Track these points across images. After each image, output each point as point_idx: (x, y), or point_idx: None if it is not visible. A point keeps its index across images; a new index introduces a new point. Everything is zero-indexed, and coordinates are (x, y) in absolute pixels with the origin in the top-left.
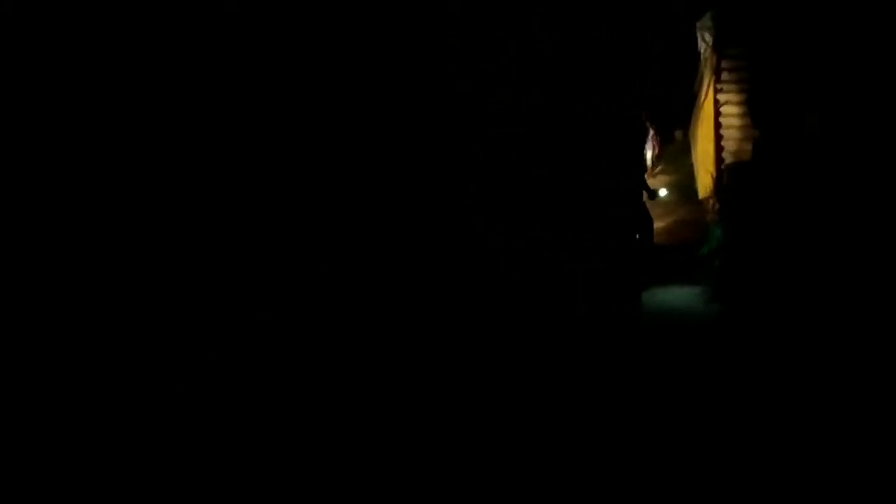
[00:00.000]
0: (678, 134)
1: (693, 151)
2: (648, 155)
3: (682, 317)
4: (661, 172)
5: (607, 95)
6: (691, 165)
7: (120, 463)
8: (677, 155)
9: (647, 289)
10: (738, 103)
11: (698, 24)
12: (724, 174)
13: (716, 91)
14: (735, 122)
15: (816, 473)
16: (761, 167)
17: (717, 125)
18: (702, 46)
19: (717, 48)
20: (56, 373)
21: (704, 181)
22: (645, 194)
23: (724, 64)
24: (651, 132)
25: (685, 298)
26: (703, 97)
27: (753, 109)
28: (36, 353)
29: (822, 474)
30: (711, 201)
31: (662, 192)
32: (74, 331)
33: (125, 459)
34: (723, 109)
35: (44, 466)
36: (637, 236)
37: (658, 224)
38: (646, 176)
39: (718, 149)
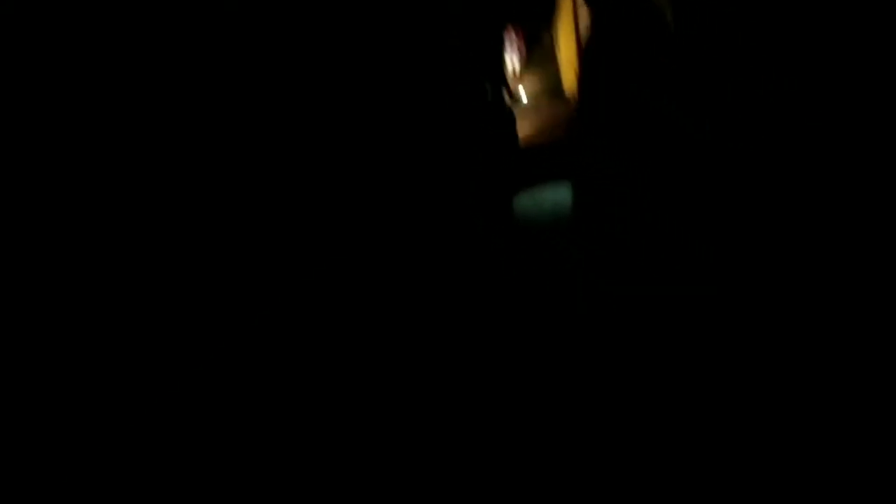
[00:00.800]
0: (546, 36)
1: (557, 50)
2: (515, 59)
3: (553, 206)
4: (531, 74)
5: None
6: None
7: (120, 463)
8: (546, 56)
9: (521, 189)
10: None
11: None
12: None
13: None
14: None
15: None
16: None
17: (576, 19)
18: None
19: None
20: (55, 373)
21: (569, 78)
22: (508, 98)
23: None
24: (515, 35)
25: (557, 192)
26: None
27: None
28: (36, 353)
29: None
30: (575, 97)
31: (524, 97)
32: (74, 331)
33: (125, 459)
34: (578, 2)
35: (44, 466)
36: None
37: (527, 125)
38: (514, 80)
39: (579, 44)
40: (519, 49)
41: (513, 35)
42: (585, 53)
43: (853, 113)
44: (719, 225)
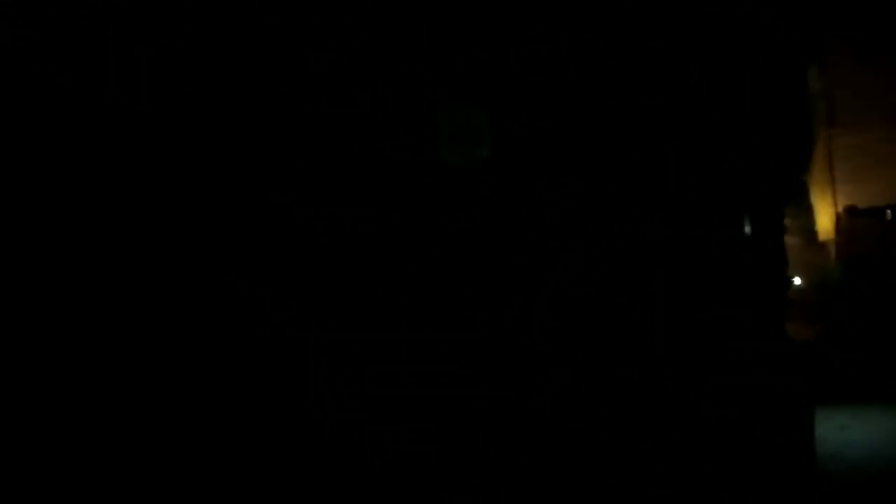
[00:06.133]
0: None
1: (811, 194)
2: None
3: None
4: (787, 217)
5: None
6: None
7: (120, 463)
8: (799, 202)
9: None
10: (852, 146)
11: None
12: (843, 217)
13: (829, 135)
14: (850, 163)
15: None
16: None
17: (831, 167)
18: (812, 88)
19: (826, 93)
20: (55, 373)
21: (824, 224)
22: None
23: (834, 107)
24: None
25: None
26: (817, 140)
27: None
28: (36, 353)
29: None
30: (831, 244)
31: None
32: (74, 331)
33: (125, 460)
34: (836, 152)
35: (44, 466)
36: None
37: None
38: None
39: (834, 191)
40: None
41: None
42: None
43: None
44: None
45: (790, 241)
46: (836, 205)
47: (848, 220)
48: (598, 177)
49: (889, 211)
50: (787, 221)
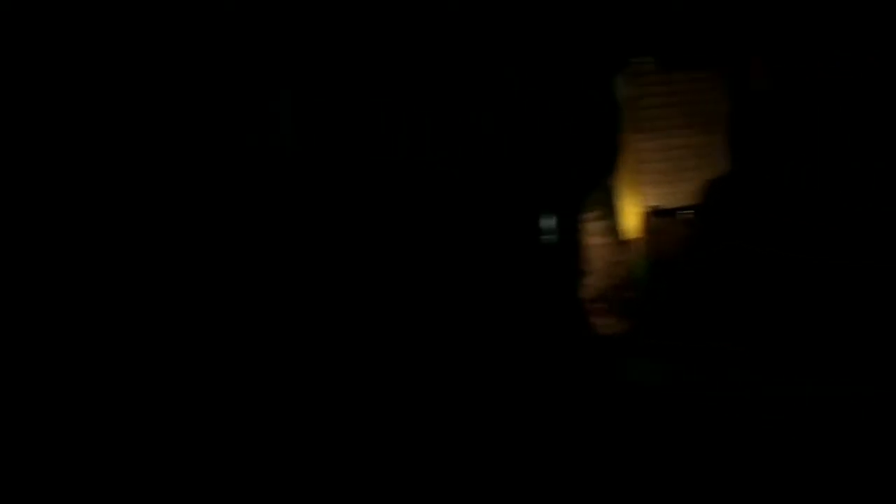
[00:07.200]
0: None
1: (619, 195)
2: None
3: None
4: (595, 218)
5: None
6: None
7: (120, 463)
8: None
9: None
10: (656, 151)
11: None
12: (649, 216)
13: (636, 140)
14: (655, 167)
15: None
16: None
17: (638, 170)
18: (620, 97)
19: (633, 101)
20: (56, 373)
21: (631, 223)
22: None
23: (641, 115)
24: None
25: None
26: (623, 144)
27: None
28: (36, 353)
29: None
30: (638, 243)
31: None
32: (74, 331)
33: (125, 459)
34: (643, 157)
35: (44, 466)
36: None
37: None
38: None
39: (641, 192)
40: None
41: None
42: None
43: None
44: None
45: (600, 241)
46: (644, 206)
47: (653, 220)
48: (410, 171)
49: (690, 211)
50: (596, 222)
